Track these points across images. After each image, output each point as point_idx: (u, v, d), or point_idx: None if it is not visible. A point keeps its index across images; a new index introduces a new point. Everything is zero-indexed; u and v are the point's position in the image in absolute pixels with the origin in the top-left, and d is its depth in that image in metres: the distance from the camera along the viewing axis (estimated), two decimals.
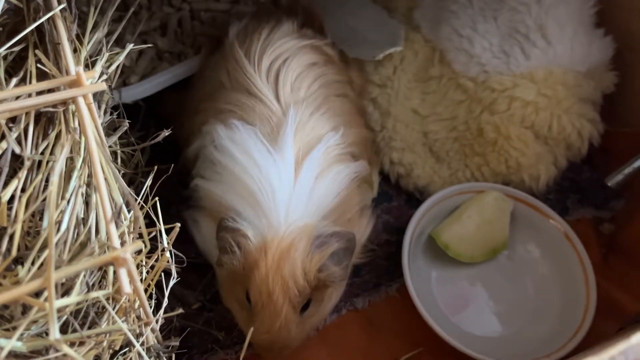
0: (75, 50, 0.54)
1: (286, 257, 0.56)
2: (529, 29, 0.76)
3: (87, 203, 0.48)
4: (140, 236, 0.47)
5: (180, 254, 0.51)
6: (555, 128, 0.76)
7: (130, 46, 0.57)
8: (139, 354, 0.49)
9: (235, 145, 0.61)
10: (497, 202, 0.76)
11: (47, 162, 0.47)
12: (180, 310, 0.50)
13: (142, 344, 0.50)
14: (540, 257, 0.77)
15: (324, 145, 0.63)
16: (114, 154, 0.61)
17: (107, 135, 0.63)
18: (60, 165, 0.45)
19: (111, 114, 0.60)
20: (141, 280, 0.49)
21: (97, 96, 0.57)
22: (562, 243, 0.75)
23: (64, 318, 0.45)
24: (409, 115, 0.83)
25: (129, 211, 0.47)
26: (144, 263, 0.49)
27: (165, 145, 0.72)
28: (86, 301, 0.47)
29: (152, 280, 0.49)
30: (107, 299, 0.47)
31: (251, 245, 0.56)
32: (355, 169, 0.66)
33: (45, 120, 0.49)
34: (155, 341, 0.52)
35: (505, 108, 0.76)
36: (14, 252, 0.42)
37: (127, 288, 0.39)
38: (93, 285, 0.48)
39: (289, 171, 0.59)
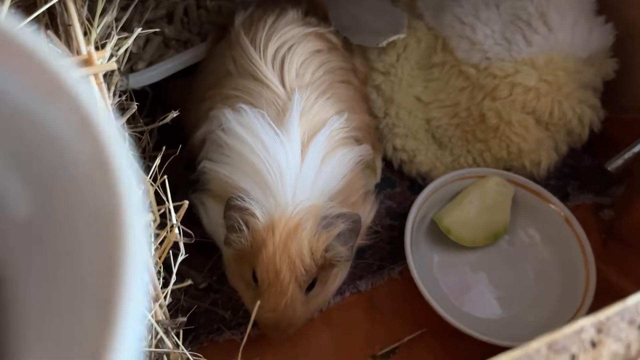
0: (85, 33, 0.55)
1: (294, 237, 0.57)
2: (531, 16, 0.77)
3: None
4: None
5: (189, 231, 0.53)
6: (556, 114, 0.77)
7: (138, 30, 0.58)
8: (152, 327, 0.50)
9: (243, 127, 0.63)
10: (499, 187, 0.77)
11: None
12: (190, 282, 0.51)
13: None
14: (541, 242, 0.79)
15: (329, 128, 0.64)
16: (122, 134, 0.63)
17: (116, 117, 0.64)
18: None
19: (120, 97, 0.62)
20: (151, 254, 0.50)
21: (107, 78, 0.58)
22: (563, 227, 0.76)
23: None
24: (412, 102, 0.84)
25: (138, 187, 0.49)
26: (152, 237, 0.51)
27: (171, 132, 0.74)
28: None
29: (160, 256, 0.51)
30: None
31: (259, 224, 0.58)
32: (359, 152, 0.67)
33: None
34: (164, 317, 0.54)
35: (506, 94, 0.77)
36: None
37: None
38: None
39: (295, 153, 0.61)
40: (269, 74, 0.67)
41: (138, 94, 0.79)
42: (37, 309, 0.26)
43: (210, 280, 0.73)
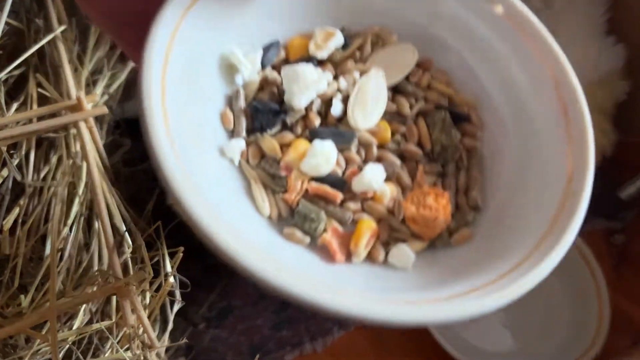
0: (76, 69, 0.53)
1: None
2: None
3: (89, 228, 0.48)
4: (143, 261, 0.47)
5: (185, 279, 0.51)
6: None
7: (130, 65, 0.56)
8: None
9: None
10: None
11: (49, 188, 0.47)
12: (185, 340, 0.49)
13: None
14: (551, 270, 0.76)
15: None
16: (116, 173, 0.61)
17: (110, 153, 0.62)
18: (61, 192, 0.44)
19: (113, 132, 0.60)
20: (145, 306, 0.48)
21: (99, 116, 0.56)
22: (574, 256, 0.74)
23: (66, 347, 0.45)
24: None
25: (132, 238, 0.47)
26: (147, 289, 0.49)
27: None
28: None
29: (156, 305, 0.49)
30: (110, 328, 0.47)
31: None
32: None
33: (46, 144, 0.48)
34: None
35: None
36: (16, 283, 0.42)
37: (130, 319, 0.38)
38: (97, 311, 0.48)
39: None
40: None
41: (136, 122, 0.77)
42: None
43: (210, 315, 0.71)
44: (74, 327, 0.42)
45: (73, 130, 0.48)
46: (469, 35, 0.34)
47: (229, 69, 0.32)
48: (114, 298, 0.46)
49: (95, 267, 0.44)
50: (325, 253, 0.29)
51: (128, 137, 0.62)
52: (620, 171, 0.79)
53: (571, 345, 0.70)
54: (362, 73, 0.33)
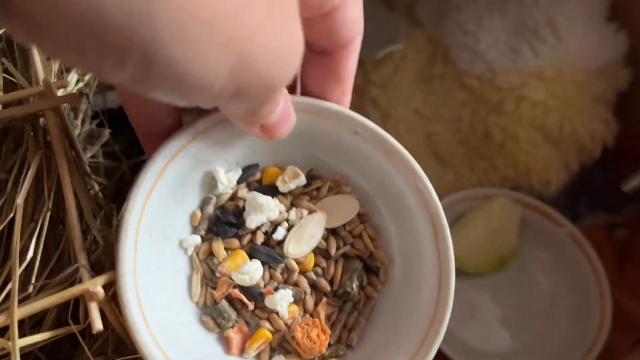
0: (48, 58, 0.49)
1: None
2: (538, 24, 0.71)
3: (57, 226, 0.44)
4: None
5: None
6: (566, 130, 0.71)
7: None
8: None
9: None
10: (505, 210, 0.72)
11: (15, 180, 0.43)
12: None
13: None
14: (551, 267, 0.73)
15: None
16: (94, 166, 0.57)
17: (90, 143, 0.59)
18: (26, 186, 0.41)
19: (90, 122, 0.56)
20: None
21: (74, 104, 0.53)
22: (574, 252, 0.71)
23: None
24: (412, 117, 0.79)
25: (104, 236, 0.43)
26: None
27: None
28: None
29: None
30: (83, 333, 0.43)
31: None
32: None
33: (13, 135, 0.45)
34: None
35: (512, 109, 0.72)
36: None
37: (98, 324, 0.35)
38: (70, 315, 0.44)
39: None
40: None
41: (119, 111, 0.73)
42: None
43: None
44: (41, 332, 0.39)
45: (43, 120, 0.45)
46: (393, 198, 0.41)
47: (210, 180, 0.40)
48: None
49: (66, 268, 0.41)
50: (226, 344, 0.39)
51: (109, 128, 0.59)
52: (623, 163, 0.76)
53: (572, 345, 0.67)
54: (310, 211, 0.41)
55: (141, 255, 0.36)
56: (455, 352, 0.64)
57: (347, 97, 0.39)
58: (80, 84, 0.51)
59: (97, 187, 0.46)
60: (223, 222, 0.40)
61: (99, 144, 0.56)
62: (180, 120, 0.38)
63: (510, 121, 0.72)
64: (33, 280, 0.39)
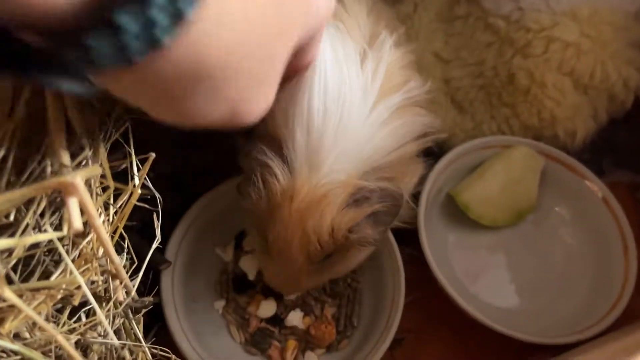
0: None
1: (314, 210, 0.46)
2: None
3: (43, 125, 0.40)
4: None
5: (157, 193, 0.43)
6: (598, 75, 0.66)
7: None
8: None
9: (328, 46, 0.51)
10: (526, 159, 0.67)
11: None
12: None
13: (107, 300, 0.42)
14: (572, 223, 0.69)
15: (405, 91, 0.52)
16: None
17: None
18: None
19: None
20: (107, 221, 0.41)
21: None
22: (599, 208, 0.66)
23: (11, 264, 0.37)
24: (430, 60, 0.74)
25: (90, 138, 0.38)
26: (111, 202, 0.41)
27: None
28: (40, 246, 0.39)
29: (120, 222, 0.41)
30: (65, 244, 0.39)
31: (277, 187, 0.47)
32: (428, 123, 0.54)
33: None
34: (125, 296, 0.44)
35: (541, 51, 0.66)
36: None
37: (76, 222, 0.30)
38: (55, 228, 0.40)
39: (364, 107, 0.49)
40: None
41: None
42: None
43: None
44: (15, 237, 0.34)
45: None
46: None
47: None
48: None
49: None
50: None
51: None
52: None
53: (592, 305, 0.63)
54: None
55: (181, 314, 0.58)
56: (470, 305, 0.59)
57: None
58: None
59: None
60: (238, 281, 0.63)
61: None
62: None
63: (537, 64, 0.67)
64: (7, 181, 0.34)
